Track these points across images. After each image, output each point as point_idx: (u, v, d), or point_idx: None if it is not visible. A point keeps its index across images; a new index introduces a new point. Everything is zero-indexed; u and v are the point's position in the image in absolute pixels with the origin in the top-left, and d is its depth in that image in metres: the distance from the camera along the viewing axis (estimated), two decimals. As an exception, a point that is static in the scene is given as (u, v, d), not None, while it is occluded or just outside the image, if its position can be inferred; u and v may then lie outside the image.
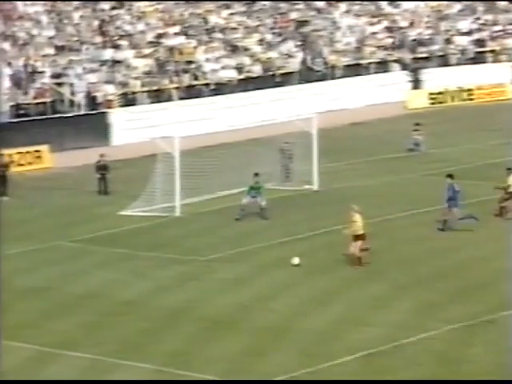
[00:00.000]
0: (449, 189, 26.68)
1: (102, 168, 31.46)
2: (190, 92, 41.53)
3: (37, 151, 35.45)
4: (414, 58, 48.66)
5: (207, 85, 42.16)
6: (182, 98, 40.89)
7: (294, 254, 25.22)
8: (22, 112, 37.12)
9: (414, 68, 48.14)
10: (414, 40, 49.63)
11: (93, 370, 18.44)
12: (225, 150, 31.01)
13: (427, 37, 50.35)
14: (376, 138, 39.81)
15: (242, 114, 40.42)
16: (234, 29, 46.15)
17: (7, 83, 37.50)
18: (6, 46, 39.41)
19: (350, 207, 24.00)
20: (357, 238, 23.73)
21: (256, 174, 28.18)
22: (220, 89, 42.25)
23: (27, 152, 35.18)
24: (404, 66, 48.14)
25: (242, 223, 27.95)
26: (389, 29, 50.33)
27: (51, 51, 40.26)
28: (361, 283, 23.04)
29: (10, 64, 38.32)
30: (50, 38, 41.05)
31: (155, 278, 23.56)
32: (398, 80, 47.37)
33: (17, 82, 37.82)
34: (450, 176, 27.03)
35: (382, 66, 47.83)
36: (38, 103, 37.65)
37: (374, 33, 49.80)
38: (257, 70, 43.97)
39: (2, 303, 15.29)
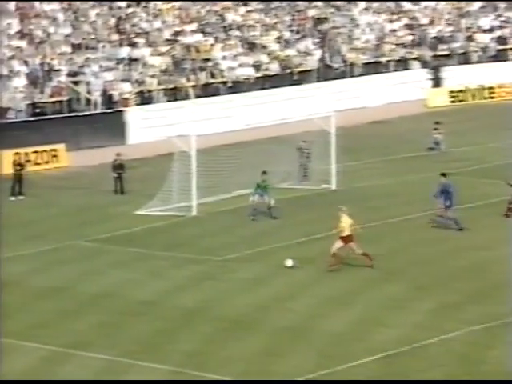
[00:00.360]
0: (441, 187, 26.50)
1: (119, 167, 31.54)
2: (207, 90, 41.56)
3: (53, 150, 35.59)
4: (435, 56, 48.48)
5: (224, 83, 42.18)
6: (198, 96, 40.93)
7: (313, 253, 25.18)
8: (38, 111, 37.28)
9: (435, 66, 47.96)
10: (435, 37, 49.45)
11: (108, 371, 18.48)
12: (242, 149, 31.01)
13: (448, 34, 50.15)
14: (395, 136, 39.69)
15: (260, 113, 40.41)
16: (252, 26, 46.14)
17: (23, 81, 37.67)
18: (23, 44, 39.59)
19: (339, 208, 23.77)
20: (343, 239, 23.55)
21: (264, 172, 28.08)
22: (237, 87, 42.26)
23: (43, 151, 35.34)
24: (424, 64, 47.97)
25: (259, 223, 27.93)
26: (409, 26, 50.17)
27: (68, 49, 40.41)
28: (379, 283, 22.97)
29: (26, 62, 38.51)
30: (67, 36, 41.19)
31: (171, 277, 23.59)
32: (418, 78, 47.21)
33: (33, 81, 37.98)
34: (444, 175, 26.90)
35: (402, 64, 47.68)
36: (54, 102, 37.80)
37: (393, 30, 49.66)
38: (274, 67, 43.95)
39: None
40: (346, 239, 23.66)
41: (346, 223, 23.65)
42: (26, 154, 34.53)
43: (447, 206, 26.60)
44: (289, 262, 23.65)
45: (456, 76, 47.61)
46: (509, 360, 18.04)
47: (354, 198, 30.24)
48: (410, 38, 49.22)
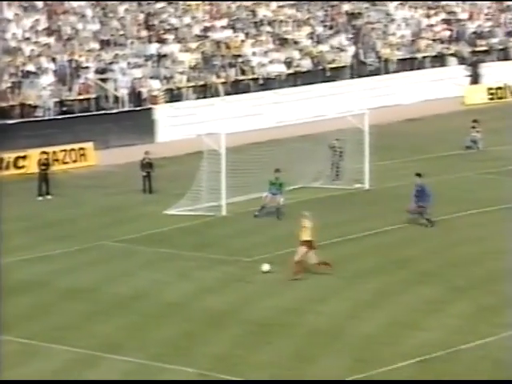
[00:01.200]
0: (416, 188, 26.53)
1: (147, 166, 31.67)
2: (237, 87, 41.62)
3: (81, 149, 35.81)
4: (473, 52, 48.16)
5: (255, 80, 42.21)
6: (228, 94, 41.00)
7: (345, 255, 25.12)
8: (65, 109, 37.53)
9: (473, 62, 47.62)
10: (474, 33, 49.10)
11: (136, 374, 18.55)
12: (272, 148, 30.99)
13: (487, 29, 49.79)
14: (431, 135, 39.47)
15: (291, 110, 40.39)
16: (283, 21, 46.12)
17: (51, 79, 37.95)
18: (51, 40, 39.90)
19: (301, 213, 23.59)
20: (304, 244, 23.31)
21: (277, 170, 27.98)
22: (268, 84, 42.27)
23: (71, 150, 35.56)
24: (462, 60, 47.66)
25: (291, 222, 27.91)
26: (446, 21, 49.87)
27: (96, 46, 40.65)
28: (414, 286, 22.85)
29: (54, 59, 38.79)
30: (95, 32, 41.44)
31: (200, 278, 23.64)
32: (456, 74, 46.93)
33: (61, 78, 38.25)
34: (419, 175, 26.78)
35: (439, 60, 47.43)
36: (82, 99, 38.05)
37: (430, 25, 49.39)
38: (306, 64, 43.90)
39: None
40: (308, 245, 23.30)
41: (309, 229, 23.28)
42: (54, 152, 34.77)
43: (421, 207, 26.47)
44: (265, 267, 23.47)
45: (495, 72, 47.25)
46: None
47: (387, 198, 30.13)
48: (448, 33, 48.94)
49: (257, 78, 42.22)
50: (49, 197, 30.97)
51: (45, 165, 31.68)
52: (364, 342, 19.76)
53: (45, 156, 32.20)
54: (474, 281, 23.13)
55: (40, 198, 30.94)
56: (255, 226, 27.81)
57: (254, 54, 43.13)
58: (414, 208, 26.93)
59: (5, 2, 39.71)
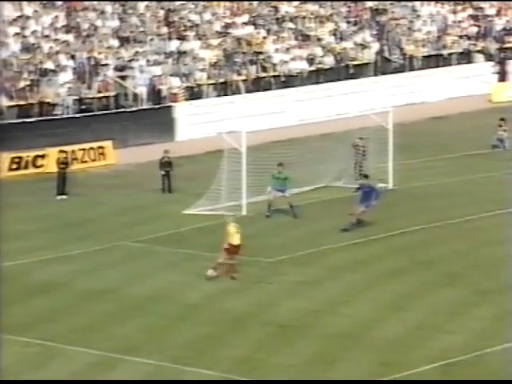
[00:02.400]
0: (364, 189, 26.63)
1: (166, 165, 31.78)
2: (259, 84, 41.68)
3: (100, 147, 35.95)
4: (501, 49, 47.95)
5: (276, 77, 42.25)
6: (249, 91, 41.06)
7: (368, 255, 25.13)
8: (84, 107, 37.72)
9: (500, 59, 47.40)
10: (502, 29, 48.86)
11: (155, 377, 18.66)
12: (294, 146, 31.04)
13: (515, 25, 49.58)
14: (457, 133, 39.36)
15: (313, 108, 40.41)
16: (306, 18, 46.13)
17: (70, 76, 38.16)
18: (70, 37, 40.11)
19: (226, 216, 23.50)
20: (229, 249, 23.19)
21: (280, 164, 27.84)
22: (290, 81, 42.31)
23: (90, 148, 35.71)
24: (489, 57, 47.47)
25: (312, 223, 27.95)
26: (473, 17, 49.69)
27: (115, 43, 40.83)
28: (439, 288, 22.84)
29: (73, 57, 39.00)
30: (114, 29, 41.63)
31: (220, 280, 23.71)
32: (483, 72, 46.77)
33: (80, 76, 38.44)
34: (366, 176, 26.89)
35: (465, 57, 47.28)
36: (101, 97, 38.22)
37: (457, 21, 49.22)
38: (329, 61, 43.88)
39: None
40: (235, 249, 23.19)
41: (234, 233, 23.15)
42: (73, 151, 34.94)
43: (366, 206, 26.38)
44: (209, 272, 23.39)
45: (523, 69, 47.04)
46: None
47: (411, 198, 30.10)
48: (475, 29, 48.75)
49: (278, 76, 42.26)
50: (64, 197, 31.09)
51: (64, 163, 31.83)
52: (387, 345, 19.77)
53: (64, 155, 32.34)
54: (499, 283, 23.05)
55: (59, 198, 31.12)
56: (276, 226, 27.86)
57: (275, 50, 43.17)
58: (359, 210, 26.50)
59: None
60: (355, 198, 28.63)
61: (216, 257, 23.55)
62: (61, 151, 32.46)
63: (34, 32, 39.63)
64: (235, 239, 23.28)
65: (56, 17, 40.90)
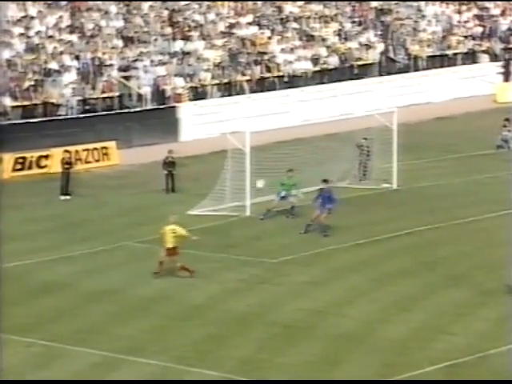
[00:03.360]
0: (321, 193, 26.49)
1: (170, 165, 31.81)
2: (263, 85, 41.69)
3: (104, 148, 35.98)
4: (505, 49, 47.91)
5: (281, 77, 42.26)
6: (254, 91, 41.07)
7: (372, 256, 25.13)
8: (88, 107, 37.76)
9: (505, 59, 47.36)
10: (507, 29, 48.81)
11: (159, 377, 18.70)
12: (299, 146, 31.06)
13: (520, 25, 49.52)
14: (462, 133, 39.35)
15: (318, 108, 40.42)
16: (310, 18, 46.14)
17: (74, 77, 38.20)
18: (74, 38, 40.17)
19: (168, 218, 23.41)
20: (166, 251, 23.14)
21: (290, 170, 27.70)
22: (294, 81, 42.31)
23: (94, 149, 35.74)
24: (494, 57, 47.43)
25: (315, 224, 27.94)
26: (478, 17, 49.65)
27: (119, 43, 40.87)
28: (443, 289, 22.84)
29: (77, 57, 39.04)
30: (119, 29, 41.67)
31: (224, 280, 23.76)
32: (488, 72, 46.73)
33: (84, 76, 38.49)
34: (325, 181, 26.87)
35: (470, 57, 47.24)
36: (105, 98, 38.26)
37: (462, 21, 49.19)
38: (334, 61, 43.89)
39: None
40: (169, 252, 23.14)
41: (170, 235, 23.09)
42: (77, 152, 34.98)
43: (323, 211, 26.39)
44: (260, 183, 23.27)
45: (527, 69, 46.99)
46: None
47: (416, 199, 30.10)
48: (480, 29, 48.71)
49: (283, 76, 42.26)
50: (68, 197, 31.11)
51: (68, 164, 31.87)
52: (391, 346, 19.78)
53: (68, 155, 32.40)
54: (504, 285, 23.03)
55: (62, 198, 31.15)
56: (280, 226, 27.87)
57: (280, 51, 43.17)
58: (322, 215, 26.42)
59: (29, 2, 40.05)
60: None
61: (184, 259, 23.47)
62: (65, 151, 32.50)
63: (38, 32, 39.68)
64: (169, 243, 23.08)
65: (60, 17, 40.95)
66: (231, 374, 18.65)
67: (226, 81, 40.87)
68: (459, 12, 49.77)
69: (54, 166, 33.55)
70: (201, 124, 39.05)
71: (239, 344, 19.96)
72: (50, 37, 39.83)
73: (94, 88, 38.15)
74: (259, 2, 46.09)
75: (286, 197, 27.99)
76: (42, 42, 39.32)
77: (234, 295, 22.76)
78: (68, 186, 31.31)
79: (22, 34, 39.18)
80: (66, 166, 31.71)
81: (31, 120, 36.04)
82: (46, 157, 34.46)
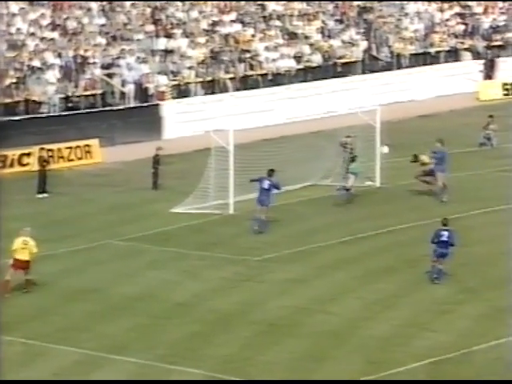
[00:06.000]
0: (270, 184, 26.48)
1: (157, 162, 31.76)
2: (246, 83, 41.62)
3: (86, 146, 35.86)
4: (488, 46, 48.04)
5: (264, 75, 42.19)
6: (237, 89, 41.01)
7: (356, 253, 25.13)
8: (71, 105, 37.59)
9: (488, 57, 47.50)
10: (489, 27, 48.97)
11: (142, 376, 18.63)
12: (282, 144, 31.03)
13: (502, 23, 49.64)
14: (445, 131, 39.32)
15: (301, 106, 40.39)
16: (293, 16, 46.11)
17: (57, 74, 38.01)
18: (56, 35, 39.96)
19: (21, 230, 22.45)
20: (15, 263, 22.14)
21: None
22: (278, 79, 42.27)
23: (77, 146, 35.61)
24: (476, 55, 47.54)
25: (301, 221, 27.94)
26: (461, 15, 49.75)
27: (102, 41, 40.70)
28: (427, 286, 22.86)
29: (59, 55, 38.85)
30: (101, 27, 41.50)
31: (208, 278, 23.69)
32: (470, 70, 46.82)
33: (67, 74, 38.31)
34: (272, 170, 26.84)
35: (453, 55, 47.33)
36: (87, 95, 38.11)
37: (444, 19, 49.29)
38: (317, 59, 43.87)
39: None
40: (19, 264, 22.11)
41: (21, 247, 22.25)
42: (59, 149, 34.83)
43: (266, 205, 26.39)
44: (385, 149, 23.16)
45: (510, 68, 47.12)
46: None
47: (399, 196, 30.12)
48: (462, 27, 48.81)
49: (266, 74, 42.20)
50: (45, 195, 30.95)
51: (45, 161, 31.76)
52: (375, 343, 19.78)
53: (45, 153, 32.29)
54: (487, 281, 23.11)
55: (39, 196, 31.00)
56: (268, 226, 27.78)
57: (263, 48, 43.11)
58: (264, 210, 26.30)
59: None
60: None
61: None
62: (42, 149, 32.40)
63: (19, 29, 39.46)
64: (22, 254, 22.26)
65: (42, 14, 40.74)
66: (215, 372, 18.60)
67: (209, 79, 40.78)
68: (441, 10, 49.87)
69: (37, 163, 33.37)
70: (184, 122, 38.95)
71: (223, 342, 19.91)
72: (32, 34, 39.61)
73: (76, 86, 37.98)
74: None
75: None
76: (24, 39, 39.10)
77: (217, 293, 22.70)
78: (45, 184, 31.17)
79: (3, 31, 38.92)
80: (44, 164, 31.59)
81: (13, 118, 35.83)
82: (28, 155, 34.28)
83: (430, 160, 29.71)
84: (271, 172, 27.01)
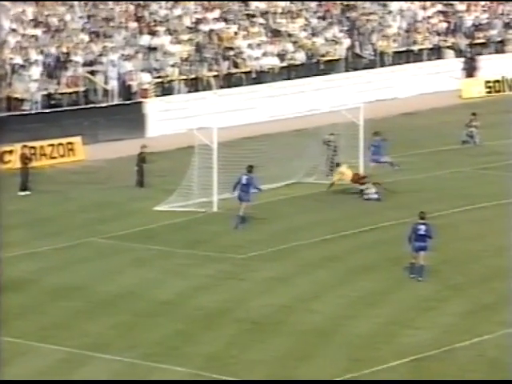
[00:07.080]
0: (247, 180, 26.61)
1: (142, 160, 31.76)
2: (230, 80, 41.65)
3: (69, 143, 35.80)
4: (470, 44, 48.26)
5: (248, 73, 42.24)
6: (221, 87, 41.03)
7: (339, 251, 25.24)
8: (53, 102, 37.49)
9: (470, 55, 47.73)
10: (472, 25, 49.20)
11: (126, 374, 18.66)
12: (266, 142, 31.08)
13: (484, 21, 49.89)
14: (428, 129, 39.59)
15: (285, 104, 40.44)
16: (277, 13, 46.16)
17: (39, 71, 37.90)
18: (38, 32, 39.84)
19: None
20: None
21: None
22: (261, 77, 42.31)
23: (59, 144, 35.56)
24: (459, 53, 47.76)
25: (284, 219, 28.02)
26: (443, 13, 49.95)
27: (85, 38, 40.61)
28: (409, 284, 22.99)
29: (42, 51, 38.74)
30: (84, 23, 41.40)
31: (192, 276, 23.74)
32: (453, 67, 47.04)
33: (49, 71, 38.21)
34: (251, 166, 26.92)
35: (435, 53, 47.52)
36: (70, 93, 38.02)
37: (426, 17, 49.48)
38: (300, 57, 43.95)
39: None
40: None
41: None
42: (42, 147, 34.76)
43: (244, 201, 26.49)
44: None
45: (492, 65, 47.37)
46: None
47: (382, 194, 30.24)
48: (445, 25, 49.01)
49: (250, 71, 42.25)
50: (28, 192, 30.91)
51: (28, 159, 31.69)
52: (358, 341, 19.89)
53: (27, 150, 32.21)
54: (471, 278, 23.27)
55: (21, 194, 30.94)
56: (247, 222, 27.87)
57: (247, 46, 43.14)
58: (244, 205, 26.38)
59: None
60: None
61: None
62: (24, 146, 32.34)
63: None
64: None
65: (24, 11, 40.60)
66: (199, 370, 18.66)
67: (192, 76, 40.78)
68: (424, 8, 50.06)
69: (19, 161, 33.29)
70: (167, 120, 38.94)
71: (207, 340, 19.96)
72: (14, 30, 39.47)
73: (59, 83, 37.90)
74: (225, -3, 46.05)
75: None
76: (6, 35, 38.93)
77: (201, 291, 22.75)
78: (28, 181, 31.12)
79: (-16, 29, 38.78)
80: (26, 162, 31.54)
81: (-5, 115, 35.72)
82: (10, 152, 34.19)
83: (348, 169, 29.79)
84: (250, 168, 27.08)
